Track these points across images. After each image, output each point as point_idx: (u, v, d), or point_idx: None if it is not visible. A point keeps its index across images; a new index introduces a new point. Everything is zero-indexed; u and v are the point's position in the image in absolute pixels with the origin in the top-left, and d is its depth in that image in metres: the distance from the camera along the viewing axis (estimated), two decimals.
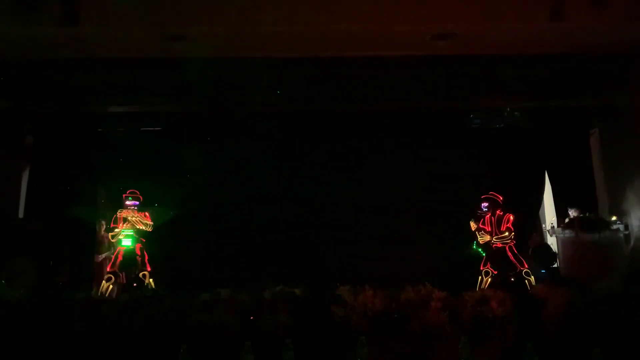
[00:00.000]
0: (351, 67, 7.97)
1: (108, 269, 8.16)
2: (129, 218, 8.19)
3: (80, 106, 8.93)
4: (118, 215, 8.26)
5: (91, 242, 8.94)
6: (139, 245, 8.16)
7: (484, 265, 8.10)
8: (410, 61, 7.92)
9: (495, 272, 7.97)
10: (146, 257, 8.19)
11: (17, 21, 6.79)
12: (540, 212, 9.83)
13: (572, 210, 8.78)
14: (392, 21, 6.90)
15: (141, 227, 8.20)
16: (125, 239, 8.12)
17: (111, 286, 7.85)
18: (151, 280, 8.06)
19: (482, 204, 8.28)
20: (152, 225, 8.27)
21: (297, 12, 6.86)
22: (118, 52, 7.58)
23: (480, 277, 7.98)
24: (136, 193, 8.41)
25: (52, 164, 9.25)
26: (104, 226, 9.04)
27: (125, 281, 8.10)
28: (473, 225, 8.28)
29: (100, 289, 7.87)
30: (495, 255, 8.09)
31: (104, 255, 8.85)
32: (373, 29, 7.03)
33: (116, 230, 8.16)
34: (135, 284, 7.97)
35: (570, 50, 7.52)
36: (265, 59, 7.85)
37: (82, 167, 9.27)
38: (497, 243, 8.11)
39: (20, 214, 9.02)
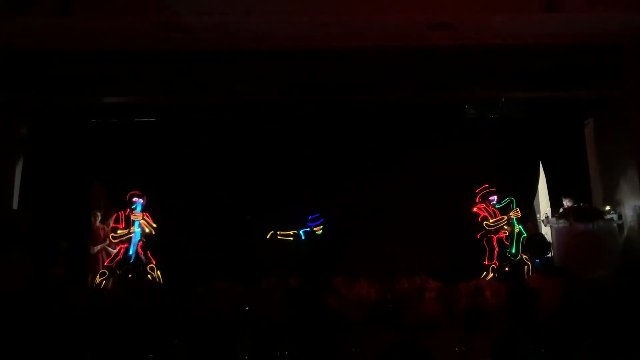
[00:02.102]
0: (347, 58, 7.94)
1: (106, 263, 8.20)
2: (140, 221, 8.18)
3: (74, 97, 8.87)
4: (120, 215, 8.24)
5: (86, 233, 8.91)
6: (140, 244, 8.15)
7: (490, 260, 8.17)
8: (405, 52, 7.90)
9: (497, 264, 8.08)
10: (149, 252, 8.19)
11: (10, 12, 6.73)
12: (535, 202, 9.87)
13: (567, 200, 8.84)
14: (387, 12, 6.87)
15: (148, 230, 8.21)
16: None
17: (104, 281, 7.89)
18: (159, 272, 8.08)
19: (491, 197, 8.37)
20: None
21: (292, 3, 6.83)
22: (112, 43, 7.52)
23: (485, 273, 8.05)
24: (139, 194, 8.39)
25: (46, 155, 9.20)
26: (99, 218, 9.03)
27: (120, 272, 8.12)
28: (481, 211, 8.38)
29: (94, 282, 7.92)
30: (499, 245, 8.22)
31: (99, 247, 8.84)
32: (369, 20, 7.01)
33: (119, 231, 8.13)
34: (130, 275, 7.97)
35: (565, 41, 7.51)
36: (260, 50, 7.80)
37: (76, 158, 9.24)
38: (501, 232, 8.22)
39: (15, 206, 8.97)
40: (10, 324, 5.93)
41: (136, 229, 8.12)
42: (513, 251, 8.16)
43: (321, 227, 8.47)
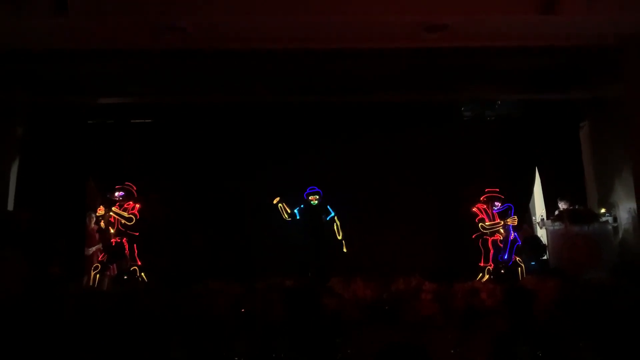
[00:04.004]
0: (343, 58, 7.95)
1: (99, 259, 8.21)
2: (110, 213, 8.10)
3: (69, 97, 8.85)
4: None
5: (81, 234, 8.88)
6: (125, 239, 8.11)
7: (485, 262, 8.18)
8: (400, 53, 7.91)
9: (492, 266, 8.09)
10: (135, 252, 8.14)
11: (5, 11, 6.72)
12: (530, 204, 9.88)
13: (562, 203, 8.85)
14: (383, 13, 6.89)
15: (124, 221, 8.11)
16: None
17: (98, 276, 7.86)
18: (143, 274, 8.04)
19: (496, 202, 8.36)
20: (133, 218, 8.11)
21: (288, 4, 6.83)
22: (108, 43, 7.51)
23: (480, 274, 8.06)
24: (130, 186, 8.37)
25: (41, 155, 9.17)
26: (94, 219, 9.00)
27: (116, 272, 8.10)
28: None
29: (90, 280, 7.90)
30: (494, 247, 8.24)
31: (94, 248, 8.81)
32: (365, 20, 7.02)
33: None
34: (126, 277, 7.95)
35: (561, 43, 7.54)
36: (256, 50, 7.81)
37: (71, 159, 9.21)
38: (497, 235, 8.24)
39: (10, 207, 8.93)
40: (7, 324, 5.90)
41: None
42: (505, 257, 8.18)
43: (317, 197, 8.42)
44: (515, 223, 8.31)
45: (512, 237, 8.22)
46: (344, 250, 8.25)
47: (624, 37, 7.43)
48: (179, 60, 7.90)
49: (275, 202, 8.31)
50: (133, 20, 6.96)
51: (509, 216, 8.28)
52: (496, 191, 8.39)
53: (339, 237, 8.28)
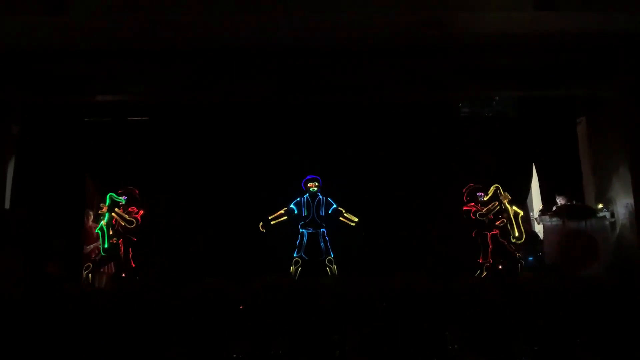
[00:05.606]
0: (343, 58, 7.93)
1: (92, 258, 8.23)
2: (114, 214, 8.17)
3: (67, 96, 8.82)
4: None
5: (79, 232, 8.87)
6: (121, 240, 8.13)
7: (484, 259, 8.19)
8: (397, 51, 7.90)
9: (491, 262, 8.10)
10: (130, 254, 8.14)
11: (2, 10, 6.69)
12: (528, 200, 9.90)
13: (559, 199, 8.87)
14: (378, 10, 6.87)
15: (123, 223, 8.15)
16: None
17: (90, 275, 7.91)
18: (137, 277, 8.04)
19: (478, 193, 8.38)
20: (134, 222, 8.17)
21: (285, 3, 6.80)
22: (105, 41, 7.49)
23: (479, 271, 8.08)
24: (133, 190, 8.40)
25: (38, 153, 9.14)
26: (92, 217, 9.01)
27: (114, 271, 8.11)
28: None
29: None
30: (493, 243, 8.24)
31: (92, 246, 8.81)
32: (360, 18, 7.00)
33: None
34: (123, 274, 7.96)
35: (559, 39, 7.54)
36: (253, 49, 7.79)
37: (68, 157, 9.20)
38: (495, 230, 8.24)
39: (7, 205, 8.91)
40: (6, 324, 5.91)
41: (104, 222, 8.17)
42: (517, 234, 8.14)
43: (316, 183, 8.46)
44: (509, 198, 8.27)
45: (512, 212, 8.20)
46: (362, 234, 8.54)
47: (620, 33, 7.43)
48: (176, 58, 7.87)
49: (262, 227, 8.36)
50: (130, 19, 6.93)
51: (499, 195, 8.26)
52: (471, 186, 8.40)
53: (353, 224, 8.38)
